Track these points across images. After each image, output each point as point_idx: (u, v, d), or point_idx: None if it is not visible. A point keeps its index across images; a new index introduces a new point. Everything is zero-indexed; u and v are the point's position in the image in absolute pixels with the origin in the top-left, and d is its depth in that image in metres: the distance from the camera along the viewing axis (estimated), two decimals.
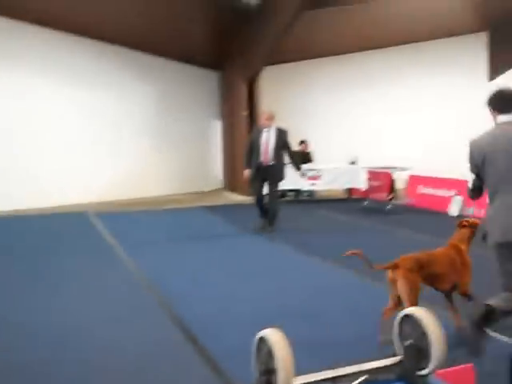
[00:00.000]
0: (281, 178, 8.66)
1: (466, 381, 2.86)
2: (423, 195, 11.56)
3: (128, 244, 7.72)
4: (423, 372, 2.82)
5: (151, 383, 3.39)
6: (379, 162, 12.99)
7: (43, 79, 12.46)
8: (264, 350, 2.66)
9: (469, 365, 2.91)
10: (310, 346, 3.69)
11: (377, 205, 11.59)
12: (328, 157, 13.86)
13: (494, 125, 3.50)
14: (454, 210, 10.21)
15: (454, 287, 3.91)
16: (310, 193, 13.42)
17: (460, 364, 2.93)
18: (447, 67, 17.83)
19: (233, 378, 3.31)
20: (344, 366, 2.81)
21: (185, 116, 15.49)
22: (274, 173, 8.55)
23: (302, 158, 11.62)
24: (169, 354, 3.79)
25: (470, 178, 3.56)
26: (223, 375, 3.38)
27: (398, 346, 3.02)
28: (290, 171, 9.14)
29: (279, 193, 9.24)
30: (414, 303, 3.50)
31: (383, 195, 11.70)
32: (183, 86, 15.45)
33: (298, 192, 13.19)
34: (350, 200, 13.11)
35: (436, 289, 3.90)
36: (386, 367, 2.90)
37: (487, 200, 3.51)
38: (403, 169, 12.05)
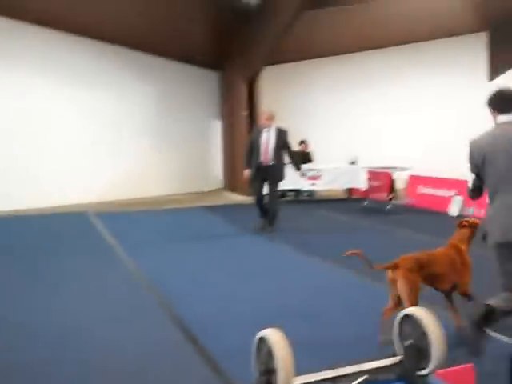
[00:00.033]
0: (281, 178, 8.66)
1: (466, 381, 2.86)
2: (423, 195, 11.56)
3: (128, 244, 7.72)
4: (423, 372, 2.82)
5: (151, 383, 3.39)
6: (379, 161, 12.99)
7: (43, 79, 12.46)
8: (264, 350, 2.67)
9: (469, 365, 2.91)
10: (310, 346, 3.70)
11: (377, 205, 11.59)
12: (328, 157, 13.86)
13: (493, 125, 3.50)
14: (454, 209, 10.22)
15: (454, 287, 3.91)
16: (310, 193, 13.42)
17: (460, 364, 2.93)
18: (447, 67, 17.83)
19: (233, 378, 3.31)
20: (344, 365, 2.82)
21: (185, 116, 15.50)
22: (273, 173, 8.55)
23: (302, 158, 11.63)
24: (169, 353, 3.79)
25: (470, 177, 3.56)
26: (223, 375, 3.39)
27: (398, 345, 3.02)
28: (289, 171, 9.14)
29: (279, 193, 9.24)
30: (414, 303, 3.50)
31: (383, 195, 11.71)
32: (183, 86, 15.45)
33: (297, 192, 13.19)
34: (350, 200, 13.11)
35: (436, 289, 3.90)
36: (385, 367, 2.90)
37: (487, 200, 3.51)
38: (403, 169, 12.05)
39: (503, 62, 18.07)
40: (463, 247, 3.93)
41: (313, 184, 12.50)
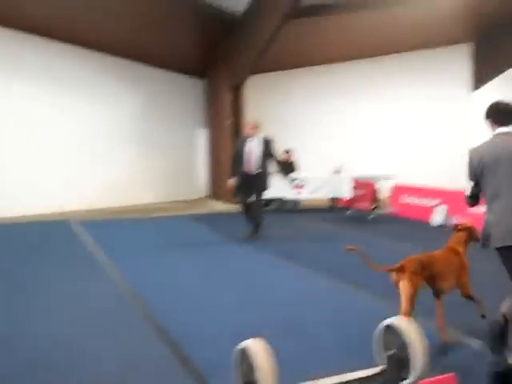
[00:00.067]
0: (265, 187, 8.66)
1: None
2: (407, 204, 11.64)
3: (112, 253, 7.65)
4: (405, 382, 2.83)
5: None
6: (363, 171, 13.07)
7: (35, 88, 12.44)
8: (246, 362, 2.65)
9: (451, 374, 2.93)
10: (293, 357, 3.69)
11: (360, 214, 11.64)
12: (309, 166, 13.90)
13: (492, 135, 3.59)
14: (437, 219, 10.29)
15: (452, 288, 4.00)
16: (295, 202, 13.43)
17: (442, 373, 2.94)
18: (431, 77, 18.04)
19: None
20: (325, 376, 2.81)
21: (170, 124, 15.45)
22: (258, 182, 8.57)
23: (287, 168, 11.63)
24: (152, 366, 3.75)
25: (468, 185, 3.65)
26: None
27: (380, 356, 3.03)
28: (274, 180, 9.13)
29: (263, 202, 9.24)
30: (412, 306, 3.63)
31: (366, 205, 11.76)
32: (168, 94, 15.42)
33: (282, 201, 13.19)
34: (334, 209, 13.15)
35: (437, 290, 3.96)
36: (368, 377, 2.91)
37: (484, 207, 3.59)
38: (387, 178, 12.11)
39: (487, 72, 18.36)
40: (461, 249, 4.08)
41: (297, 193, 12.52)
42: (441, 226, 9.95)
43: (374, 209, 11.63)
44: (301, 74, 16.76)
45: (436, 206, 10.55)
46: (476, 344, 3.88)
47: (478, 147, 3.61)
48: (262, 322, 4.57)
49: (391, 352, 2.97)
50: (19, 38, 12.04)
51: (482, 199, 3.62)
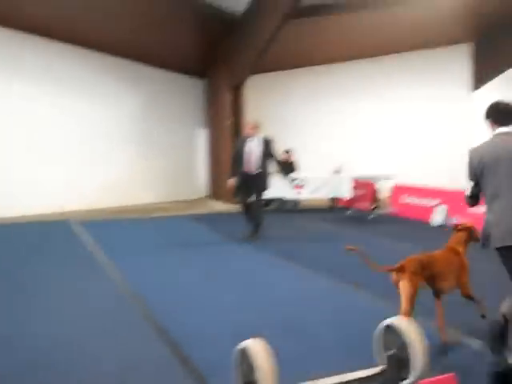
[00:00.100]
0: (264, 187, 8.67)
1: None
2: (407, 204, 11.64)
3: (113, 253, 7.65)
4: (405, 382, 2.83)
5: None
6: (363, 171, 13.07)
7: (35, 88, 12.45)
8: (246, 362, 2.65)
9: (451, 374, 2.93)
10: (293, 357, 3.69)
11: (360, 214, 11.65)
12: (308, 166, 13.90)
13: (492, 135, 3.60)
14: (437, 219, 10.29)
15: (452, 288, 4.01)
16: (294, 202, 13.43)
17: (442, 373, 2.94)
18: (431, 77, 18.04)
19: None
20: (325, 376, 2.81)
21: (170, 123, 15.45)
22: (258, 182, 8.57)
23: (287, 168, 11.63)
24: (152, 366, 3.76)
25: (468, 185, 3.67)
26: None
27: (380, 356, 3.03)
28: (274, 180, 9.14)
29: (263, 202, 9.25)
30: (412, 306, 3.64)
31: (366, 205, 11.76)
32: (169, 94, 15.42)
33: (282, 201, 13.19)
34: (334, 209, 13.15)
35: (437, 290, 3.97)
36: (368, 377, 2.91)
37: (484, 207, 3.61)
38: (387, 178, 12.11)
39: (487, 72, 18.37)
40: (460, 249, 4.09)
41: (297, 193, 12.51)
42: (441, 226, 9.95)
43: (374, 209, 11.63)
44: (301, 74, 16.75)
45: (436, 206, 10.55)
46: (476, 344, 3.89)
47: (478, 147, 3.62)
48: (262, 321, 4.57)
49: (391, 352, 2.97)
50: (19, 38, 12.05)
51: (482, 199, 3.63)
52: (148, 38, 13.13)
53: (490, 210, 3.50)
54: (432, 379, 2.85)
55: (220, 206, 13.93)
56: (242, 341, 2.81)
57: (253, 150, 8.52)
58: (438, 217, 10.30)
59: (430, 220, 10.43)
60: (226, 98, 14.60)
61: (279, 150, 10.62)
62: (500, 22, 16.56)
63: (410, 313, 3.62)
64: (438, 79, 18.14)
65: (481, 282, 4.31)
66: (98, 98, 13.65)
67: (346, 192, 12.30)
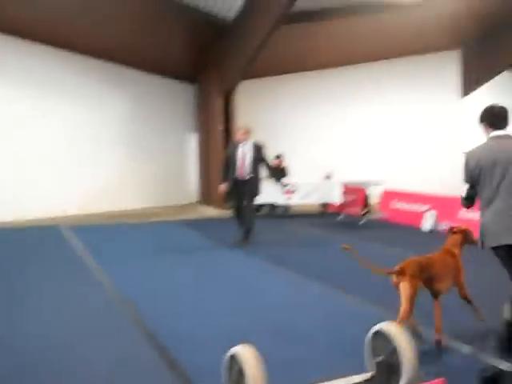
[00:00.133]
0: (256, 192, 8.67)
1: None
2: (397, 210, 11.67)
3: (102, 259, 7.61)
4: None
5: None
6: (354, 176, 13.11)
7: (16, 91, 12.35)
8: (235, 368, 2.64)
9: (440, 379, 2.93)
10: (283, 363, 3.67)
11: (351, 219, 11.66)
12: (302, 172, 13.92)
13: (487, 138, 3.66)
14: (427, 224, 10.32)
15: (449, 289, 4.08)
16: (285, 207, 13.43)
17: (432, 379, 2.94)
18: (421, 83, 18.18)
19: None
20: (315, 382, 2.80)
21: (161, 128, 15.44)
22: (249, 187, 8.57)
23: (278, 173, 11.62)
24: (141, 371, 3.73)
25: (463, 187, 3.72)
26: None
27: (369, 362, 3.02)
28: (265, 185, 9.14)
29: (255, 207, 9.25)
30: (412, 307, 3.71)
31: (357, 210, 11.79)
32: (159, 99, 15.42)
33: (273, 206, 13.19)
34: (325, 215, 13.17)
35: (434, 291, 4.02)
36: (358, 383, 2.90)
37: (480, 208, 3.66)
38: (376, 184, 12.15)
39: (475, 78, 18.53)
40: (456, 251, 4.17)
41: (288, 198, 12.52)
42: (431, 232, 9.99)
43: (364, 214, 11.65)
44: (291, 79, 16.80)
45: (426, 211, 10.59)
46: (466, 349, 3.89)
47: (474, 150, 3.67)
48: (253, 326, 4.56)
49: (380, 358, 2.97)
50: (1, 40, 11.92)
51: (477, 201, 3.70)
52: (138, 42, 13.13)
53: (486, 211, 3.55)
54: None
55: (211, 212, 13.90)
56: (232, 346, 2.80)
57: (244, 155, 8.53)
58: (427, 222, 10.33)
59: (420, 225, 10.46)
60: (217, 103, 14.61)
61: (270, 155, 10.62)
62: (487, 30, 16.75)
63: (410, 313, 3.71)
64: (428, 85, 18.29)
65: (481, 281, 4.32)
66: (91, 104, 13.65)
67: (336, 197, 12.32)
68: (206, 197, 15.27)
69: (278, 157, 13.55)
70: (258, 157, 8.57)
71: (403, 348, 2.83)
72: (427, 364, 3.51)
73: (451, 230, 4.32)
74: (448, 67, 18.84)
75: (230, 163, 8.60)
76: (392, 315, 3.72)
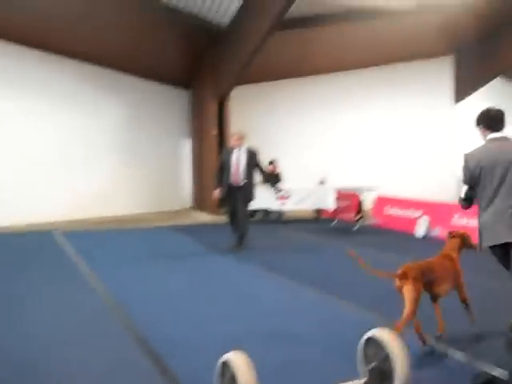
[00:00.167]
0: (250, 198, 8.68)
1: None
2: (390, 216, 11.69)
3: (95, 264, 7.58)
4: None
5: None
6: (347, 182, 13.12)
7: (17, 97, 12.38)
8: (227, 375, 2.63)
9: None
10: (276, 368, 3.66)
11: (345, 225, 11.68)
12: (295, 178, 13.92)
13: (485, 141, 3.70)
14: (420, 230, 10.34)
15: (448, 292, 4.16)
16: (279, 213, 13.42)
17: None
18: (414, 89, 18.26)
19: None
20: None
21: (155, 134, 15.43)
22: (244, 193, 8.58)
23: (272, 179, 11.62)
24: (132, 377, 3.71)
25: (462, 188, 3.78)
26: None
27: (362, 368, 3.02)
28: (259, 191, 9.14)
29: (249, 213, 9.25)
30: (415, 310, 3.76)
31: (351, 216, 11.80)
32: (154, 104, 15.42)
33: (266, 212, 13.19)
34: (318, 220, 13.17)
35: (434, 294, 4.10)
36: None
37: (478, 209, 3.71)
38: (369, 189, 12.17)
39: (468, 84, 18.64)
40: (454, 255, 4.25)
41: (282, 204, 12.51)
42: (425, 238, 10.01)
43: (358, 220, 11.67)
44: (284, 85, 16.82)
45: (419, 217, 10.61)
46: (458, 355, 3.90)
47: (473, 151, 3.72)
48: (246, 333, 4.55)
49: (373, 364, 2.97)
50: None
51: (476, 202, 3.74)
52: (133, 48, 13.14)
53: (486, 211, 3.58)
54: None
55: (204, 217, 13.88)
56: (225, 352, 2.79)
57: (239, 161, 8.53)
58: (420, 228, 10.35)
59: (414, 231, 10.47)
60: (211, 108, 14.61)
61: (264, 160, 10.63)
62: (480, 37, 16.86)
63: (414, 315, 3.78)
64: (420, 91, 18.37)
65: (480, 283, 4.33)
66: (85, 109, 13.64)
67: (330, 203, 12.33)
68: (200, 202, 15.25)
69: (271, 162, 13.56)
70: (252, 162, 8.58)
71: (396, 354, 2.83)
72: (419, 370, 3.51)
73: (450, 235, 4.39)
74: (441, 73, 18.94)
75: (224, 169, 8.61)
76: (386, 321, 3.73)
